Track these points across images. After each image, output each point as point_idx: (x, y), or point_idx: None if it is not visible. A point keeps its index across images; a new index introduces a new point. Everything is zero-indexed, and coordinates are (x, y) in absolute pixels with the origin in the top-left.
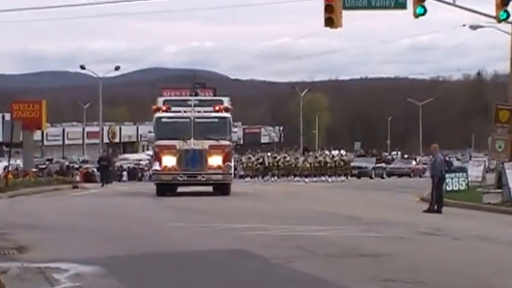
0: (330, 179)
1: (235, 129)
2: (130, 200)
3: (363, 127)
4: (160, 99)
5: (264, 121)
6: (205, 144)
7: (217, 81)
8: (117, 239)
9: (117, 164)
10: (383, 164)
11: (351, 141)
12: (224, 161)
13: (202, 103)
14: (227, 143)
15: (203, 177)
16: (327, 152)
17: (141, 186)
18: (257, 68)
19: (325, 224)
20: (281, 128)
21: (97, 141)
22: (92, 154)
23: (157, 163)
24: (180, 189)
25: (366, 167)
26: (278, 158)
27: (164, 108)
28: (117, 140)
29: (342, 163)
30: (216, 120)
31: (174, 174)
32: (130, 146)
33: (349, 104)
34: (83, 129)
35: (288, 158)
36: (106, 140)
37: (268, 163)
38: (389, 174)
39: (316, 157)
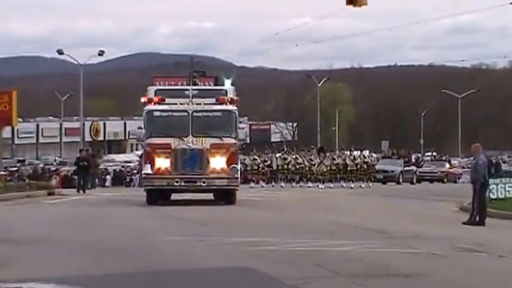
0: (350, 185)
1: (242, 125)
2: (117, 209)
3: (391, 124)
4: (152, 89)
5: (275, 116)
6: (206, 142)
7: (220, 69)
8: (102, 254)
9: (101, 166)
10: (413, 167)
11: (377, 140)
12: (229, 163)
13: (202, 93)
14: (232, 141)
15: (203, 182)
16: (347, 153)
17: (128, 193)
18: (267, 53)
19: (347, 238)
20: (295, 125)
21: (77, 139)
22: (71, 154)
23: (148, 165)
24: (174, 196)
25: (392, 171)
26: (288, 159)
27: (156, 99)
28: (101, 138)
29: (364, 166)
30: (219, 113)
31: (168, 178)
32: (116, 145)
33: (375, 96)
34: (61, 125)
35: (299, 160)
36: (88, 138)
37: (277, 166)
38: (419, 179)
39: (333, 159)
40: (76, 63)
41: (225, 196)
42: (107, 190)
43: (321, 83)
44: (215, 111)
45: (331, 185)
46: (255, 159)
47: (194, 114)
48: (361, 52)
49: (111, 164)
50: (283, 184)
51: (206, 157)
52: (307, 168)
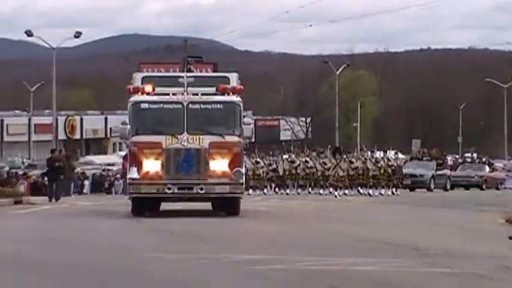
0: (371, 193)
1: (247, 120)
2: (97, 222)
3: (423, 119)
4: (139, 76)
5: (285, 110)
6: (205, 141)
7: (220, 55)
8: (79, 277)
9: (78, 169)
10: (446, 171)
11: (406, 139)
12: (232, 166)
13: (199, 81)
14: (236, 139)
15: (201, 188)
16: (368, 154)
17: (110, 202)
18: (275, 35)
19: (371, 256)
20: (308, 120)
21: (49, 137)
22: (42, 156)
23: (134, 169)
24: (164, 206)
25: (422, 175)
26: (297, 163)
27: (144, 88)
28: (77, 136)
29: (389, 170)
30: (220, 106)
31: (158, 184)
32: (96, 145)
33: (405, 86)
34: (29, 120)
35: (310, 163)
36: (62, 136)
37: (284, 170)
38: (453, 185)
39: (351, 162)
40: (48, 46)
41: (226, 206)
42: (84, 198)
43: (340, 70)
44: (215, 103)
45: (348, 193)
46: (257, 163)
47: (190, 106)
48: (388, 33)
49: (89, 167)
50: (289, 191)
51: (204, 158)
52: (319, 173)
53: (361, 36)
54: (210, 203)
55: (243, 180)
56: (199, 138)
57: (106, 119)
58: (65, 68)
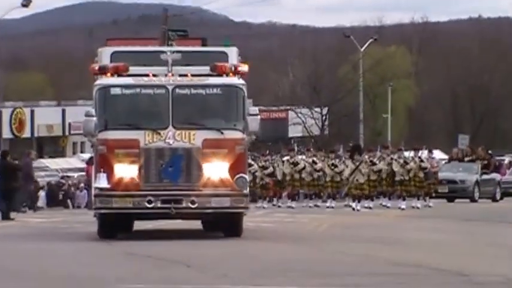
0: (399, 204)
1: (253, 109)
2: (56, 245)
3: (473, 108)
4: (107, 51)
5: (294, 99)
6: (197, 138)
7: (210, 28)
8: None
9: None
10: (496, 175)
11: (451, 134)
12: (233, 171)
13: (188, 58)
14: (238, 135)
15: (192, 202)
16: (394, 154)
17: (71, 218)
18: (281, 3)
19: (406, 285)
20: (325, 111)
21: None
22: None
23: (102, 175)
24: (137, 224)
25: (463, 181)
26: (301, 164)
27: (115, 68)
28: (26, 133)
29: (420, 174)
30: (217, 91)
31: (135, 196)
32: (51, 145)
33: (449, 66)
34: None
35: (318, 165)
36: (7, 134)
37: (284, 174)
38: (504, 194)
39: (373, 163)
40: None
41: (225, 224)
42: (37, 214)
43: (366, 46)
44: (210, 87)
45: (367, 205)
46: (249, 165)
47: (176, 91)
48: None
49: (43, 173)
50: (291, 203)
51: (197, 161)
52: (328, 178)
53: (392, 3)
54: (199, 221)
55: (247, 189)
56: (189, 135)
57: (64, 111)
58: (11, 46)
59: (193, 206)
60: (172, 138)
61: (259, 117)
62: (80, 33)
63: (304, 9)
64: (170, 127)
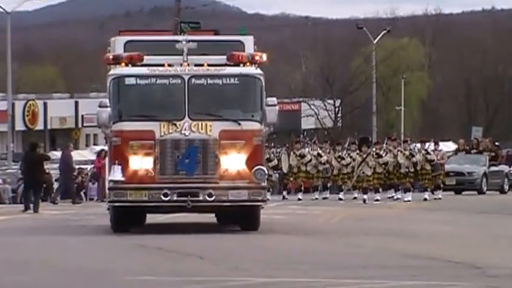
0: (405, 196)
1: (271, 99)
2: (68, 237)
3: (487, 100)
4: (120, 41)
5: (307, 90)
6: (214, 129)
7: (223, 19)
8: None
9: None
10: (504, 167)
11: (465, 126)
12: (251, 163)
13: (204, 48)
14: (256, 126)
15: (210, 194)
16: (399, 147)
17: (83, 210)
18: None
19: (420, 277)
20: (337, 103)
21: (3, 128)
22: None
23: (117, 168)
24: (149, 217)
25: (470, 173)
26: (308, 158)
27: (130, 57)
28: (39, 126)
29: (427, 167)
30: (235, 81)
31: (151, 189)
32: (63, 137)
33: (462, 57)
34: None
35: (324, 158)
36: (20, 127)
37: (290, 166)
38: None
39: (379, 155)
40: (1, 10)
41: (242, 217)
42: (50, 206)
43: (379, 38)
44: (227, 77)
45: (378, 197)
46: None
47: (193, 81)
48: None
49: (55, 166)
50: (300, 196)
51: (213, 153)
52: (335, 171)
53: None
54: (213, 214)
55: (265, 182)
56: (205, 126)
57: (77, 103)
58: (24, 39)
59: (210, 199)
60: (189, 129)
61: (277, 107)
62: (92, 26)
63: (317, 0)
64: (186, 118)
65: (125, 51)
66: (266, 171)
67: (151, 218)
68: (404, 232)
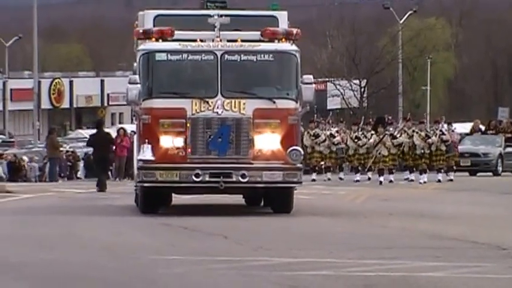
0: (421, 178)
1: (307, 77)
2: (92, 215)
3: None
4: (150, 15)
5: (333, 70)
6: (248, 107)
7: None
8: (62, 283)
9: (67, 147)
10: None
11: (492, 107)
12: (286, 143)
13: (237, 23)
14: (292, 105)
15: (243, 175)
16: (414, 129)
17: (109, 189)
18: None
19: (444, 258)
20: (363, 83)
21: (29, 106)
22: (20, 129)
23: (146, 146)
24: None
25: (486, 154)
26: (322, 137)
27: (161, 32)
28: (65, 104)
29: (442, 147)
30: (269, 57)
31: (183, 169)
32: (89, 116)
33: (489, 37)
34: (4, 84)
35: (337, 138)
36: (46, 105)
37: (304, 147)
38: None
39: (393, 136)
40: None
41: (275, 199)
42: (75, 184)
43: (405, 18)
44: (262, 53)
45: (391, 178)
46: None
47: (226, 57)
48: None
49: (81, 144)
50: (314, 176)
51: (247, 132)
52: (351, 152)
53: None
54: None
55: (301, 163)
56: (239, 104)
57: (102, 82)
58: (49, 17)
59: (243, 180)
60: (221, 107)
61: (313, 85)
62: (119, 3)
63: None
64: (219, 95)
65: (154, 26)
66: (302, 152)
67: (176, 198)
68: (428, 213)
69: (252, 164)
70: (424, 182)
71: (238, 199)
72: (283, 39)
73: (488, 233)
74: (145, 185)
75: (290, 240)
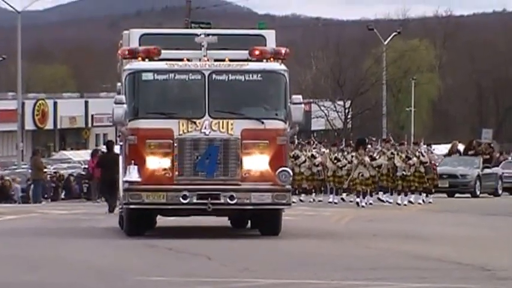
0: (400, 201)
1: (296, 97)
2: (77, 236)
3: (498, 102)
4: (135, 34)
5: (317, 91)
6: (236, 127)
7: (233, 20)
8: None
9: (50, 168)
10: (498, 170)
11: (475, 128)
12: (275, 164)
13: (225, 42)
14: (280, 125)
15: (231, 197)
16: (392, 149)
17: (92, 210)
18: None
19: (428, 279)
20: (348, 104)
21: (13, 127)
22: (4, 150)
23: (133, 167)
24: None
25: (464, 176)
26: (302, 158)
27: (147, 51)
28: (49, 125)
29: (421, 169)
30: (258, 77)
31: (170, 190)
32: (73, 137)
33: (473, 59)
34: None
35: (318, 159)
36: (30, 126)
37: None
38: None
39: (372, 158)
40: (11, 9)
41: (262, 221)
42: (59, 205)
43: (389, 39)
44: (250, 73)
45: (371, 200)
46: None
47: (213, 77)
48: None
49: (65, 165)
50: (302, 197)
51: (235, 153)
52: (329, 173)
53: None
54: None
55: (290, 184)
56: (227, 124)
57: (87, 103)
58: (34, 38)
59: (232, 202)
60: (209, 128)
61: (302, 106)
62: (103, 25)
63: (329, 1)
64: (206, 116)
65: (140, 45)
66: (291, 173)
67: (160, 220)
68: (413, 233)
69: (240, 185)
70: (405, 204)
71: (223, 221)
72: (272, 59)
73: (472, 254)
74: (132, 206)
75: (275, 261)
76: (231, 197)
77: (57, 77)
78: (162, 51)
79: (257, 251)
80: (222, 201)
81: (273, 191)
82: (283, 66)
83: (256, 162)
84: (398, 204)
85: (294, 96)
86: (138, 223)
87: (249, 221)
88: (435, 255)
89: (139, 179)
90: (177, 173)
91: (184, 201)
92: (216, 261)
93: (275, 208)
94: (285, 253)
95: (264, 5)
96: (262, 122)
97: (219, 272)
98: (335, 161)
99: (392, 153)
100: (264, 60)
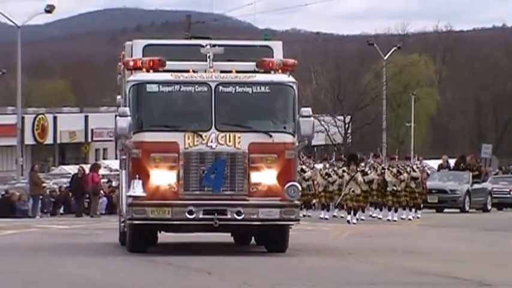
0: (391, 217)
1: (305, 110)
2: (76, 251)
3: (498, 117)
4: (138, 45)
5: (317, 106)
6: (243, 141)
7: (234, 34)
8: None
9: (49, 183)
10: (487, 185)
11: (475, 143)
12: (283, 178)
13: (231, 53)
14: (289, 139)
15: (238, 212)
16: (383, 164)
17: (92, 225)
18: (305, 9)
19: None
20: (347, 119)
21: (12, 142)
22: (5, 165)
23: (137, 182)
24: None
25: (453, 191)
26: None
27: (150, 62)
28: (49, 140)
29: (412, 184)
30: (265, 89)
31: (175, 205)
32: (73, 151)
33: (473, 74)
34: None
35: (307, 174)
36: (30, 140)
37: None
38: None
39: (364, 173)
40: (11, 24)
41: (269, 237)
42: (57, 220)
43: (389, 54)
44: (258, 85)
45: (363, 216)
46: None
47: (220, 89)
48: (451, 7)
49: (65, 180)
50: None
51: (242, 167)
52: (320, 188)
53: (416, 11)
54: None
55: (298, 199)
56: (234, 138)
57: (86, 118)
58: (34, 52)
59: (239, 218)
60: (215, 141)
61: (312, 119)
62: (103, 40)
63: (328, 16)
64: (213, 129)
65: (143, 56)
66: (300, 188)
67: (161, 235)
68: (412, 249)
69: (247, 200)
70: (395, 220)
71: (225, 237)
72: (280, 70)
73: (470, 269)
74: (136, 222)
75: (274, 276)
76: (238, 213)
77: (57, 92)
78: (167, 62)
79: (257, 266)
80: (229, 216)
81: (281, 206)
82: (291, 78)
83: (264, 176)
84: (389, 221)
85: (302, 109)
86: (142, 239)
87: (253, 238)
88: (433, 270)
89: (143, 194)
90: (182, 187)
91: (190, 217)
92: (216, 277)
93: (283, 224)
94: (284, 268)
95: (265, 19)
96: (270, 136)
97: (217, 287)
98: (326, 177)
99: (383, 168)
100: (272, 72)
